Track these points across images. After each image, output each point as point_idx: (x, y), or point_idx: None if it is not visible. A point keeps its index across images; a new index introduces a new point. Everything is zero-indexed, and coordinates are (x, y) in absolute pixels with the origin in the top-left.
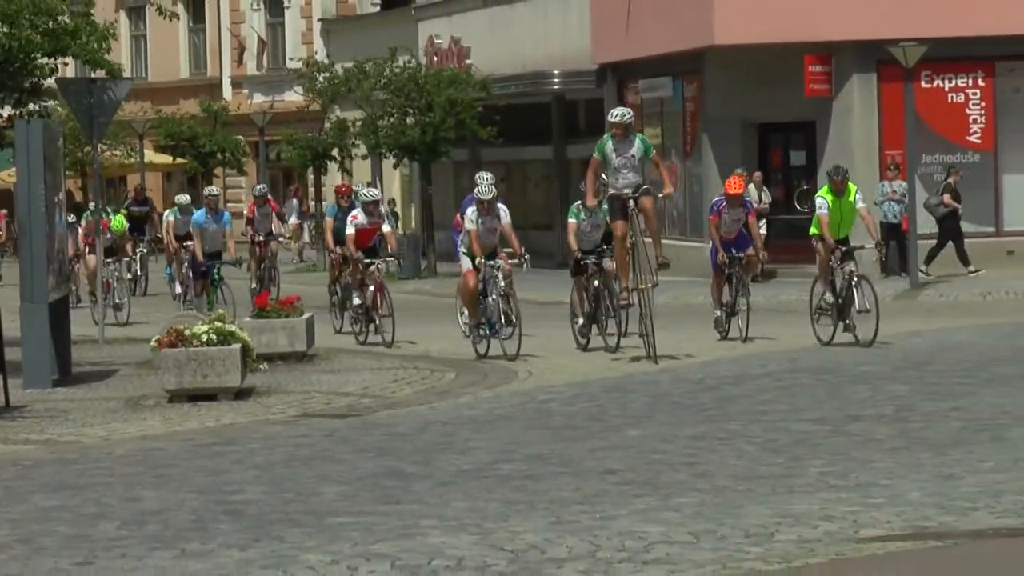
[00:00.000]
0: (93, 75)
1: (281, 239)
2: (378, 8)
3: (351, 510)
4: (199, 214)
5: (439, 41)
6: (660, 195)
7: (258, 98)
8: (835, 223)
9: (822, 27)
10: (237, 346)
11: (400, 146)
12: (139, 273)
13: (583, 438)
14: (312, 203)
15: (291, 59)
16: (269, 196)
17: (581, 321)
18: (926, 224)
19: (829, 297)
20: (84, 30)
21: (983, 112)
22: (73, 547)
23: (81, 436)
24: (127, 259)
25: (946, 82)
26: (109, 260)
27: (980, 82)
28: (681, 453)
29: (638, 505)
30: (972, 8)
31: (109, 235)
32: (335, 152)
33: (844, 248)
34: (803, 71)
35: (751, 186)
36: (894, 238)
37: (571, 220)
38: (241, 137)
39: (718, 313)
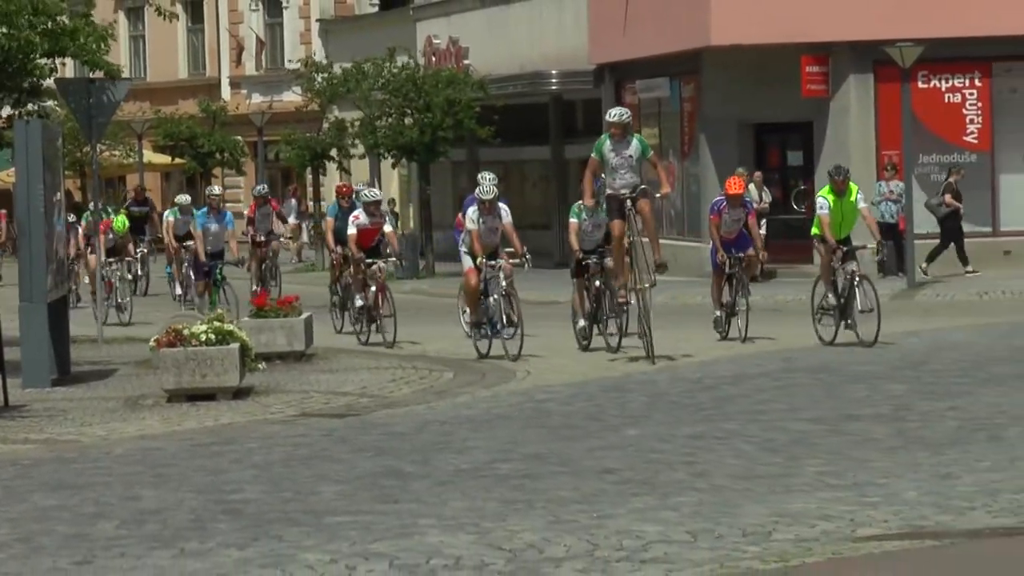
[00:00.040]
0: (92, 75)
1: (282, 239)
2: (376, 8)
3: (349, 509)
4: (201, 214)
5: (437, 41)
6: (658, 195)
7: (256, 98)
8: (836, 223)
9: (819, 28)
10: (236, 346)
11: (398, 146)
12: (140, 273)
13: (581, 437)
14: (310, 203)
15: (289, 59)
16: (270, 196)
17: (582, 323)
18: (923, 224)
19: (831, 299)
20: (83, 31)
21: (980, 112)
22: (72, 546)
23: (80, 435)
24: (129, 259)
25: (943, 82)
26: (111, 260)
27: (977, 82)
28: (679, 452)
29: (636, 504)
30: (969, 9)
31: (112, 235)
32: (333, 152)
33: (846, 248)
34: (800, 71)
35: (751, 186)
36: (891, 238)
37: (572, 220)
38: (240, 137)
39: (718, 313)
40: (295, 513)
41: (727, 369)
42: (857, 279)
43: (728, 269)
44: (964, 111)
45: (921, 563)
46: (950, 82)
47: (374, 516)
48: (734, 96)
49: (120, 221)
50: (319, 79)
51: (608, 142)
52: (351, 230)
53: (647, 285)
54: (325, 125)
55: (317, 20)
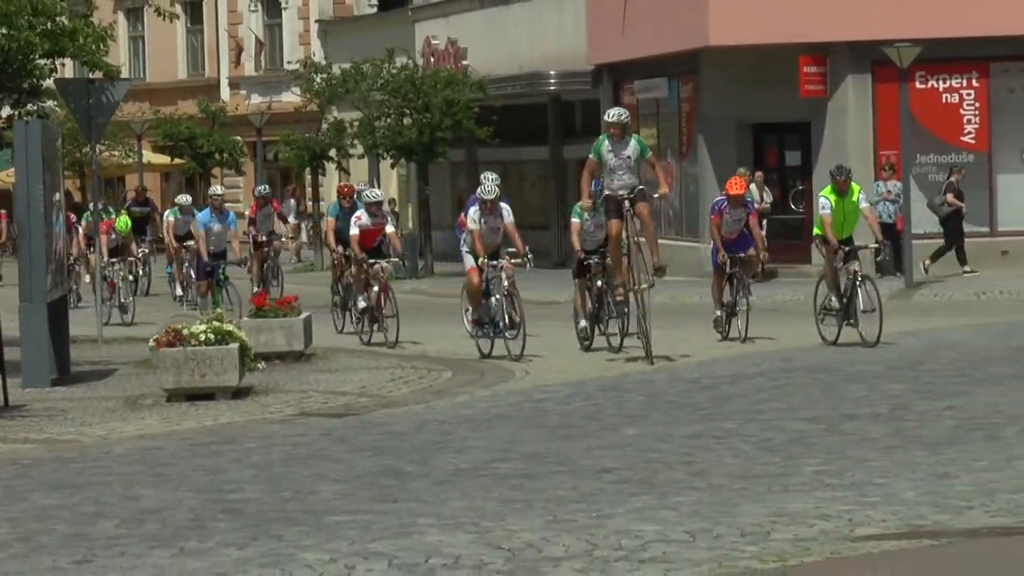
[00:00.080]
0: (91, 76)
1: (282, 239)
2: (375, 9)
3: (348, 509)
4: (203, 214)
5: (436, 42)
6: (656, 195)
7: (256, 99)
8: (838, 223)
9: (817, 28)
10: (235, 345)
11: (397, 146)
12: (140, 273)
13: (580, 437)
14: (309, 203)
15: (288, 60)
16: (271, 197)
17: (584, 323)
18: (921, 224)
19: (835, 301)
20: (82, 31)
21: (977, 113)
22: (72, 545)
23: (80, 435)
24: (131, 259)
25: (941, 83)
26: (114, 260)
27: (974, 83)
28: (677, 452)
29: (635, 504)
30: (966, 9)
31: (114, 235)
32: (332, 153)
33: (847, 248)
34: (798, 72)
35: (752, 186)
36: (889, 238)
37: (574, 220)
38: (239, 137)
39: (718, 313)
40: (294, 512)
41: (725, 369)
42: (859, 279)
43: (729, 269)
44: (962, 111)
45: (919, 563)
46: (948, 82)
47: (373, 515)
48: (732, 96)
49: (123, 221)
50: (318, 80)
51: (606, 142)
52: (353, 231)
53: (645, 286)
54: (324, 125)
55: (316, 21)
